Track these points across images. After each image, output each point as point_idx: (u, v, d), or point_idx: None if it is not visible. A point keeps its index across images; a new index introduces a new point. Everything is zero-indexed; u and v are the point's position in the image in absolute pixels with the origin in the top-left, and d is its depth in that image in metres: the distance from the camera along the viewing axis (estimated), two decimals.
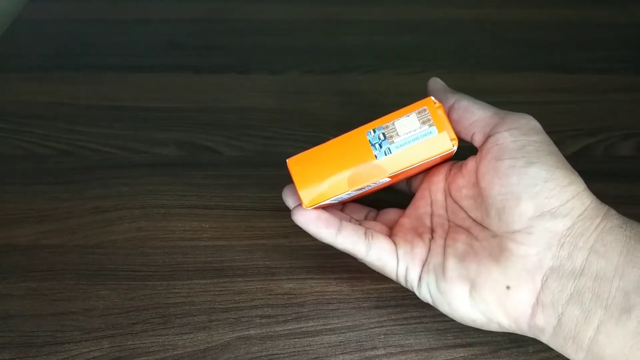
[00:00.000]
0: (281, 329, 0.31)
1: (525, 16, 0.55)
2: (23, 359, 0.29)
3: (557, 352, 0.29)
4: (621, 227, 0.24)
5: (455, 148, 0.27)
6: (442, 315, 0.31)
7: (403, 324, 0.31)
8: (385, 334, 0.30)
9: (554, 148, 0.26)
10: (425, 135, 0.27)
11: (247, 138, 0.42)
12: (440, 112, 0.27)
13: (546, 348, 0.29)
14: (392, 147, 0.27)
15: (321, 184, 0.27)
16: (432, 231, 0.29)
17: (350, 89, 0.46)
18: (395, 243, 0.29)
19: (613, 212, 0.25)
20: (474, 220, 0.28)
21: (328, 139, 0.28)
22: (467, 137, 0.28)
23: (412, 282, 0.28)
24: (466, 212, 0.28)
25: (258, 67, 0.49)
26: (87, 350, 0.30)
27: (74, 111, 0.45)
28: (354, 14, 0.55)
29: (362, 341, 0.30)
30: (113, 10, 0.56)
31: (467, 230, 0.28)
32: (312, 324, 0.31)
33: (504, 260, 0.25)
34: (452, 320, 0.31)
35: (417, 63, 0.49)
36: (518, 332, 0.26)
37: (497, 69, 0.48)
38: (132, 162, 0.40)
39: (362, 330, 0.30)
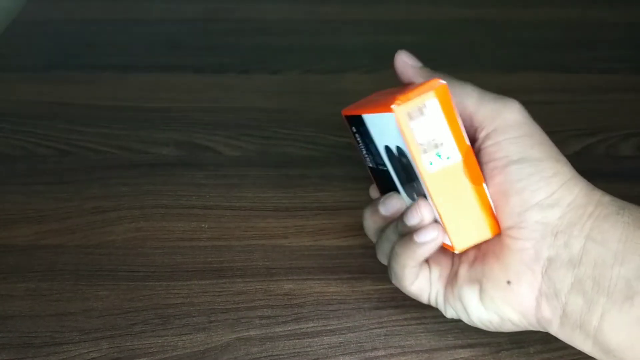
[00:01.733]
0: (281, 329, 0.31)
1: (525, 16, 0.55)
2: None
3: (558, 353, 0.29)
4: (618, 214, 0.24)
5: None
6: (442, 316, 0.31)
7: (403, 325, 0.31)
8: (385, 335, 0.30)
9: (538, 138, 0.25)
10: None
11: (247, 138, 0.42)
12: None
13: (547, 349, 0.29)
14: None
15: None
16: None
17: (350, 89, 0.46)
18: (429, 267, 0.29)
19: (607, 197, 0.25)
20: None
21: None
22: None
23: (441, 305, 0.28)
24: None
25: (258, 67, 0.49)
26: (85, 351, 0.29)
27: (74, 111, 0.45)
28: (354, 14, 0.55)
29: (363, 342, 0.30)
30: (113, 10, 0.56)
31: None
32: (312, 324, 0.31)
33: (503, 256, 0.25)
34: (452, 322, 0.31)
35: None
36: (531, 328, 0.26)
37: (497, 69, 0.48)
38: (132, 162, 0.40)
39: (362, 331, 0.30)
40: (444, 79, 0.24)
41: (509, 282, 0.25)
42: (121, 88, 0.47)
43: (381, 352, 0.29)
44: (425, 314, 0.31)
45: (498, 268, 0.25)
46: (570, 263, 0.23)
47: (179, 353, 0.29)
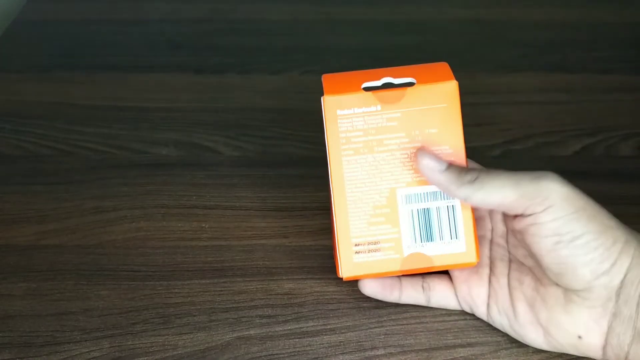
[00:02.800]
0: (281, 329, 0.31)
1: (525, 16, 0.55)
2: (23, 359, 0.29)
3: (556, 352, 0.29)
4: None
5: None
6: (441, 315, 0.31)
7: (403, 324, 0.31)
8: (385, 334, 0.30)
9: (590, 208, 0.26)
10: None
11: (247, 138, 0.42)
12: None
13: None
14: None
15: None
16: (491, 264, 0.30)
17: None
18: (454, 284, 0.31)
19: None
20: (536, 262, 0.28)
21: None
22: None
23: (482, 316, 0.30)
24: (529, 250, 0.28)
25: (258, 67, 0.49)
26: (86, 351, 0.30)
27: (74, 111, 0.45)
28: (354, 14, 0.55)
29: (362, 341, 0.30)
30: (113, 10, 0.56)
31: (531, 272, 0.29)
32: (312, 324, 0.31)
33: (572, 311, 0.27)
34: (451, 321, 0.31)
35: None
36: None
37: (497, 69, 0.48)
38: (132, 162, 0.40)
39: (362, 330, 0.30)
40: (476, 192, 0.27)
41: (580, 337, 0.27)
42: (121, 88, 0.47)
43: (381, 351, 0.29)
44: (424, 313, 0.31)
45: (567, 322, 0.27)
46: (630, 319, 0.26)
47: (179, 352, 0.30)
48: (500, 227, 0.30)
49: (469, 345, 0.30)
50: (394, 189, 0.29)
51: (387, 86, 0.30)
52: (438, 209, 0.29)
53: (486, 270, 0.30)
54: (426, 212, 0.29)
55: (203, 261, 0.34)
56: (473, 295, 0.30)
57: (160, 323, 0.31)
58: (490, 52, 0.50)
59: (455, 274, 0.31)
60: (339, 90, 0.29)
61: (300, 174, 0.39)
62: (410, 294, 0.31)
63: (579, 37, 0.52)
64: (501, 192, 0.27)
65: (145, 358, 0.29)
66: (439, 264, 0.29)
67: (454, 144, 0.29)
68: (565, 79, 0.48)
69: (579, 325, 0.27)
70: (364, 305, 0.32)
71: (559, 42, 0.51)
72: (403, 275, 0.31)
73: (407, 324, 0.31)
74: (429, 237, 0.29)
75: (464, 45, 0.51)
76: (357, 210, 0.29)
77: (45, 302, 0.32)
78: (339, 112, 0.29)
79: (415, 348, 0.30)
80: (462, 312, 0.31)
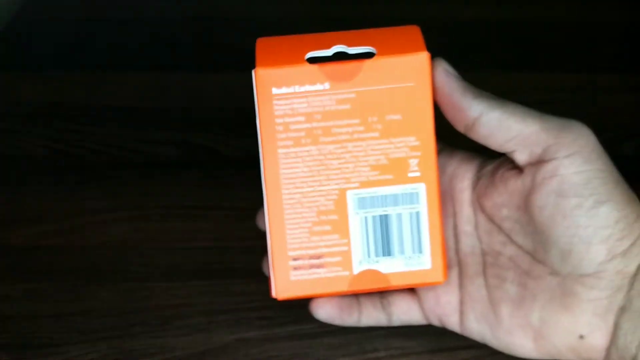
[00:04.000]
0: (280, 330, 0.30)
1: (525, 16, 0.55)
2: None
3: None
4: None
5: None
6: None
7: (404, 326, 0.30)
8: (386, 336, 0.30)
9: (615, 171, 0.22)
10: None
11: (247, 138, 0.42)
12: None
13: None
14: None
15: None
16: (460, 261, 0.25)
17: None
18: (418, 295, 0.26)
19: None
20: (521, 248, 0.24)
21: None
22: (502, 151, 0.23)
23: (453, 328, 0.25)
24: (508, 236, 0.24)
25: None
26: (84, 352, 0.29)
27: (73, 111, 0.44)
28: (354, 14, 0.55)
29: (363, 343, 0.30)
30: (113, 9, 0.56)
31: (513, 262, 0.24)
32: (311, 325, 0.31)
33: (572, 306, 0.22)
34: None
35: None
36: None
37: (497, 69, 0.48)
38: (132, 162, 0.40)
39: (362, 331, 0.30)
40: (492, 110, 0.22)
41: (582, 337, 0.22)
42: (121, 88, 0.46)
43: (382, 353, 0.29)
44: None
45: (567, 319, 0.22)
46: None
47: (178, 354, 0.29)
48: (466, 211, 0.25)
49: (470, 347, 0.29)
50: (343, 190, 0.23)
51: (340, 58, 0.23)
52: (399, 215, 0.24)
53: (454, 271, 0.25)
54: (383, 219, 0.24)
55: (202, 262, 0.34)
56: (442, 304, 0.25)
57: (158, 325, 0.31)
58: (490, 52, 0.50)
59: None
60: (275, 61, 0.23)
61: None
62: (371, 313, 0.25)
63: (579, 37, 0.52)
64: (523, 117, 0.22)
65: None
66: (396, 283, 0.24)
67: (422, 136, 0.23)
68: (565, 79, 0.47)
69: (580, 322, 0.22)
70: None
71: (559, 42, 0.51)
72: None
73: (408, 326, 0.30)
74: (386, 251, 0.24)
75: (464, 45, 0.51)
76: (296, 217, 0.24)
77: (43, 303, 0.32)
78: (274, 90, 0.23)
79: (417, 350, 0.29)
80: None
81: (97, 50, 0.51)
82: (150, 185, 0.38)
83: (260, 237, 0.35)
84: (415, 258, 0.24)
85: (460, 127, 0.23)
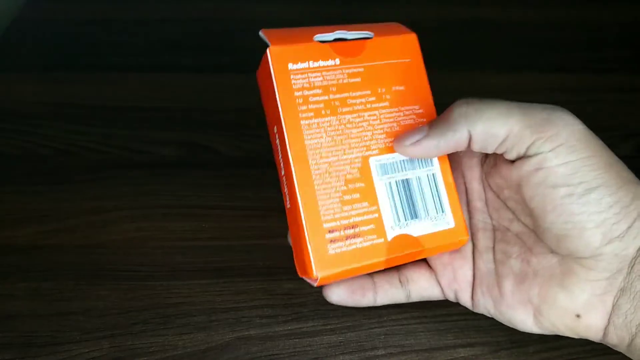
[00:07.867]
0: (281, 329, 0.31)
1: (526, 16, 0.55)
2: (23, 359, 0.29)
3: (557, 352, 0.29)
4: None
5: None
6: (442, 315, 0.31)
7: (403, 324, 0.31)
8: (385, 334, 0.30)
9: (606, 154, 0.22)
10: None
11: (247, 138, 0.42)
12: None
13: (546, 348, 0.29)
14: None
15: None
16: (473, 236, 0.26)
17: None
18: (434, 270, 0.27)
19: None
20: (526, 226, 0.24)
21: None
22: (498, 152, 0.24)
23: (466, 304, 0.26)
24: (514, 213, 0.24)
25: (258, 67, 0.49)
26: (86, 351, 0.30)
27: (74, 111, 0.45)
28: (354, 14, 0.55)
29: (362, 341, 0.30)
30: (113, 10, 0.56)
31: (519, 239, 0.24)
32: (312, 324, 0.31)
33: (570, 285, 0.23)
34: (452, 321, 0.31)
35: None
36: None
37: (497, 69, 0.48)
38: (132, 162, 0.40)
39: (362, 330, 0.30)
40: (476, 124, 0.22)
41: (579, 316, 0.23)
42: (121, 88, 0.47)
43: (381, 352, 0.30)
44: (425, 313, 0.31)
45: (564, 298, 0.23)
46: None
47: (179, 352, 0.30)
48: (476, 187, 0.26)
49: (469, 345, 0.30)
50: (366, 157, 0.24)
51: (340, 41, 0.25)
52: (418, 179, 0.25)
53: (469, 246, 0.26)
54: (406, 183, 0.25)
55: (203, 261, 0.34)
56: (459, 279, 0.26)
57: (160, 323, 0.31)
58: (490, 52, 0.50)
59: (434, 258, 0.27)
60: (287, 40, 0.24)
61: None
62: (388, 292, 0.26)
63: (579, 37, 0.52)
64: (507, 120, 0.22)
65: (145, 358, 0.29)
66: (428, 246, 0.25)
67: (424, 104, 0.25)
68: (565, 79, 0.47)
69: (578, 302, 0.22)
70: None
71: (559, 42, 0.51)
72: (374, 272, 0.26)
73: (408, 324, 0.31)
74: (413, 214, 0.24)
75: (464, 45, 0.51)
76: (327, 187, 0.24)
77: (45, 302, 0.32)
78: (290, 65, 0.24)
79: (416, 348, 0.30)
80: (463, 312, 0.31)
81: (99, 51, 0.51)
82: (151, 184, 0.38)
83: (260, 237, 0.35)
84: (440, 218, 0.25)
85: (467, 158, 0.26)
